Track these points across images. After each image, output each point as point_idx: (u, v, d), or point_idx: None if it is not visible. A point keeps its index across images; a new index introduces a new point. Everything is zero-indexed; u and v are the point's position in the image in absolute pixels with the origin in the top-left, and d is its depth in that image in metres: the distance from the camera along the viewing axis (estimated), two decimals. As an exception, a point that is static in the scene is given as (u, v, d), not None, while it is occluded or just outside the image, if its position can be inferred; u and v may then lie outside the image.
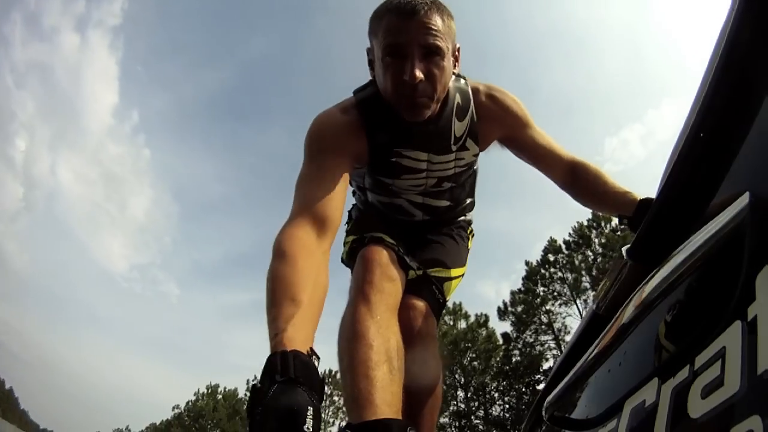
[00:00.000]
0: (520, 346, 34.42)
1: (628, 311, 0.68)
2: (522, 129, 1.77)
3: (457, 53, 1.58)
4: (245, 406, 1.03)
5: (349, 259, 1.78)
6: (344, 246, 1.88)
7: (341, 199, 1.47)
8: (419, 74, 1.40)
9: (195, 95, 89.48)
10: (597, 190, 1.72)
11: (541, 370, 32.60)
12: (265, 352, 0.97)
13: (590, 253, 33.03)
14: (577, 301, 32.52)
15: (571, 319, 32.70)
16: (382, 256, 1.57)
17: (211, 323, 74.28)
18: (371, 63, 1.60)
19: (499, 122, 1.74)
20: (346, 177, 1.51)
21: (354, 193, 2.09)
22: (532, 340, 33.89)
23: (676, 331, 0.64)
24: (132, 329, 71.40)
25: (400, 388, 1.25)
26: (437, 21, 1.42)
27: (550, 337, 33.51)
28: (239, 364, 73.91)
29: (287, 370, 0.91)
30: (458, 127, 1.65)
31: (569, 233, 34.28)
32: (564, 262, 33.96)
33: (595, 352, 0.76)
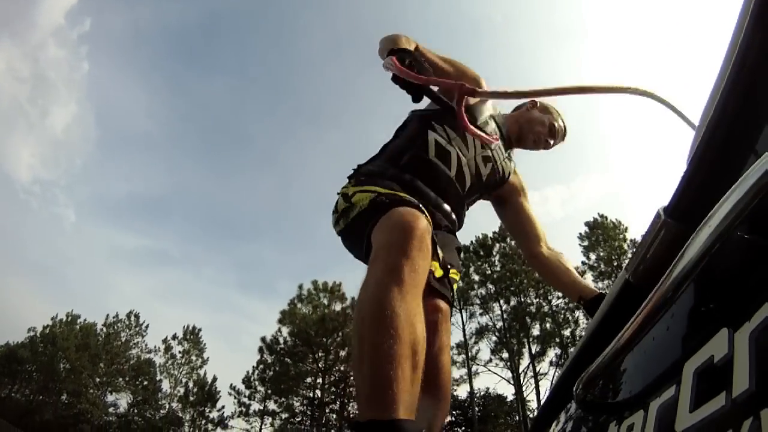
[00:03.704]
0: (393, 340, 34.42)
1: (678, 268, 0.60)
2: (521, 195, 2.40)
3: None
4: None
5: (374, 211, 1.59)
6: (358, 195, 1.74)
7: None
8: (550, 144, 2.47)
9: (153, 23, 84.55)
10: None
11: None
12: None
13: (487, 267, 33.86)
14: (462, 312, 33.20)
15: (452, 327, 33.12)
16: (422, 225, 1.44)
17: (97, 259, 70.54)
18: (534, 106, 2.44)
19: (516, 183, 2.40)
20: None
21: (403, 132, 2.15)
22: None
23: (737, 281, 0.58)
24: (14, 244, 66.71)
25: (419, 386, 1.21)
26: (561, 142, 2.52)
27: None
28: (110, 307, 70.49)
29: None
30: (510, 168, 2.34)
31: (471, 241, 34.96)
32: (457, 268, 34.37)
33: (635, 323, 0.68)
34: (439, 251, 1.69)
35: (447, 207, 2.00)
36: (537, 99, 2.42)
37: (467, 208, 2.23)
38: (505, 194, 2.34)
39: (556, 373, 29.79)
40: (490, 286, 33.20)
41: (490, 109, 2.27)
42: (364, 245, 1.60)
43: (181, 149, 78.18)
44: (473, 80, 2.04)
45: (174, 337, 39.46)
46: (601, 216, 33.34)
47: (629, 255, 31.02)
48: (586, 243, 32.95)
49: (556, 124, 2.40)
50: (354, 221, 1.70)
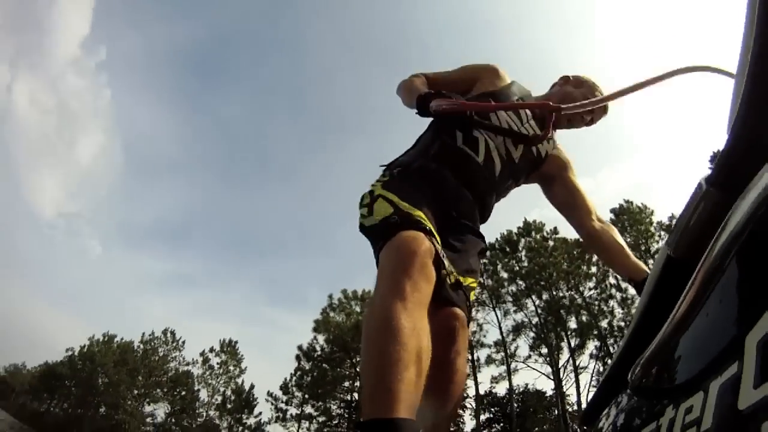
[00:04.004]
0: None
1: (724, 236, 0.57)
2: (568, 172, 2.32)
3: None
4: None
5: (383, 231, 1.64)
6: (373, 202, 1.79)
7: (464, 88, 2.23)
8: (587, 122, 2.39)
9: (166, 46, 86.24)
10: None
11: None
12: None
13: (514, 263, 33.61)
14: (496, 310, 33.00)
15: (489, 326, 33.14)
16: (424, 250, 1.52)
17: (125, 286, 71.99)
18: (572, 80, 2.44)
19: (558, 159, 2.31)
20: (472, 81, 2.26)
21: (432, 124, 2.17)
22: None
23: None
24: (42, 276, 68.04)
25: (421, 391, 1.26)
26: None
27: (462, 340, 33.22)
28: (141, 328, 71.33)
29: None
30: (548, 147, 2.27)
31: (496, 238, 34.71)
32: (485, 266, 34.17)
33: (686, 300, 0.63)
34: (447, 264, 1.70)
35: (469, 195, 1.97)
36: (587, 80, 2.42)
37: (504, 194, 2.23)
38: (551, 171, 2.28)
39: (597, 366, 29.55)
40: (520, 282, 32.92)
41: (517, 92, 2.23)
42: (375, 255, 1.72)
43: (203, 168, 79.64)
44: (491, 72, 2.26)
45: (211, 349, 40.31)
46: (627, 201, 32.66)
47: (656, 238, 30.61)
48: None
49: (598, 107, 2.29)
50: (369, 232, 1.78)
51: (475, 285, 1.94)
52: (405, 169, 1.95)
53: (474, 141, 2.00)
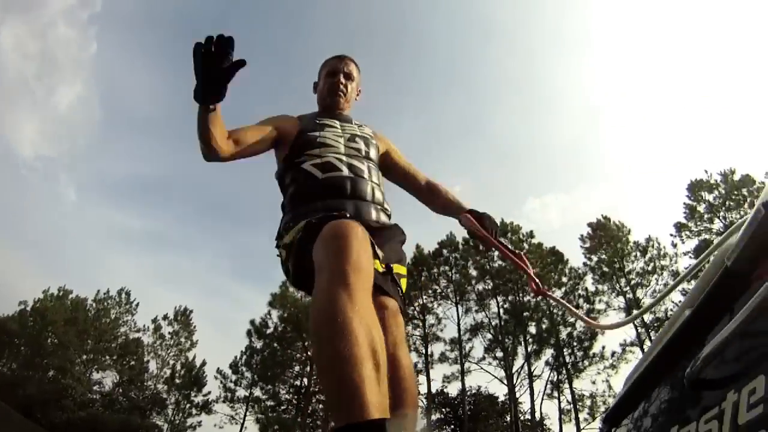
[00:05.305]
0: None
1: None
2: (394, 151, 2.56)
3: (359, 91, 2.63)
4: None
5: (306, 236, 1.70)
6: (287, 240, 1.87)
7: (254, 139, 2.12)
8: (342, 79, 2.49)
9: (164, 6, 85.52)
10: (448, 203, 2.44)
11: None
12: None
13: (486, 262, 33.49)
14: (458, 306, 32.83)
15: (447, 321, 32.91)
16: (357, 228, 1.51)
17: (95, 238, 70.88)
18: (316, 86, 2.62)
19: (382, 140, 2.49)
20: (269, 135, 2.19)
21: (287, 186, 2.17)
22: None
23: None
24: (12, 218, 67.10)
25: (386, 384, 1.22)
26: (353, 66, 2.57)
27: (418, 333, 33.02)
28: (104, 285, 70.36)
29: None
30: (356, 122, 2.45)
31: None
32: (455, 261, 34.35)
33: (752, 307, 0.67)
34: (378, 251, 1.72)
35: (367, 203, 2.06)
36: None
37: (383, 188, 2.30)
38: (386, 162, 2.48)
39: (551, 375, 29.90)
40: (488, 281, 32.84)
41: (309, 120, 2.37)
42: (292, 282, 1.82)
43: (184, 134, 78.76)
44: (287, 119, 2.37)
45: (165, 317, 39.32)
46: (605, 218, 32.73)
47: (632, 258, 30.87)
48: (587, 245, 32.73)
49: (328, 69, 2.53)
50: (297, 256, 1.76)
51: (404, 272, 2.01)
52: (294, 220, 1.94)
53: (331, 165, 2.09)
